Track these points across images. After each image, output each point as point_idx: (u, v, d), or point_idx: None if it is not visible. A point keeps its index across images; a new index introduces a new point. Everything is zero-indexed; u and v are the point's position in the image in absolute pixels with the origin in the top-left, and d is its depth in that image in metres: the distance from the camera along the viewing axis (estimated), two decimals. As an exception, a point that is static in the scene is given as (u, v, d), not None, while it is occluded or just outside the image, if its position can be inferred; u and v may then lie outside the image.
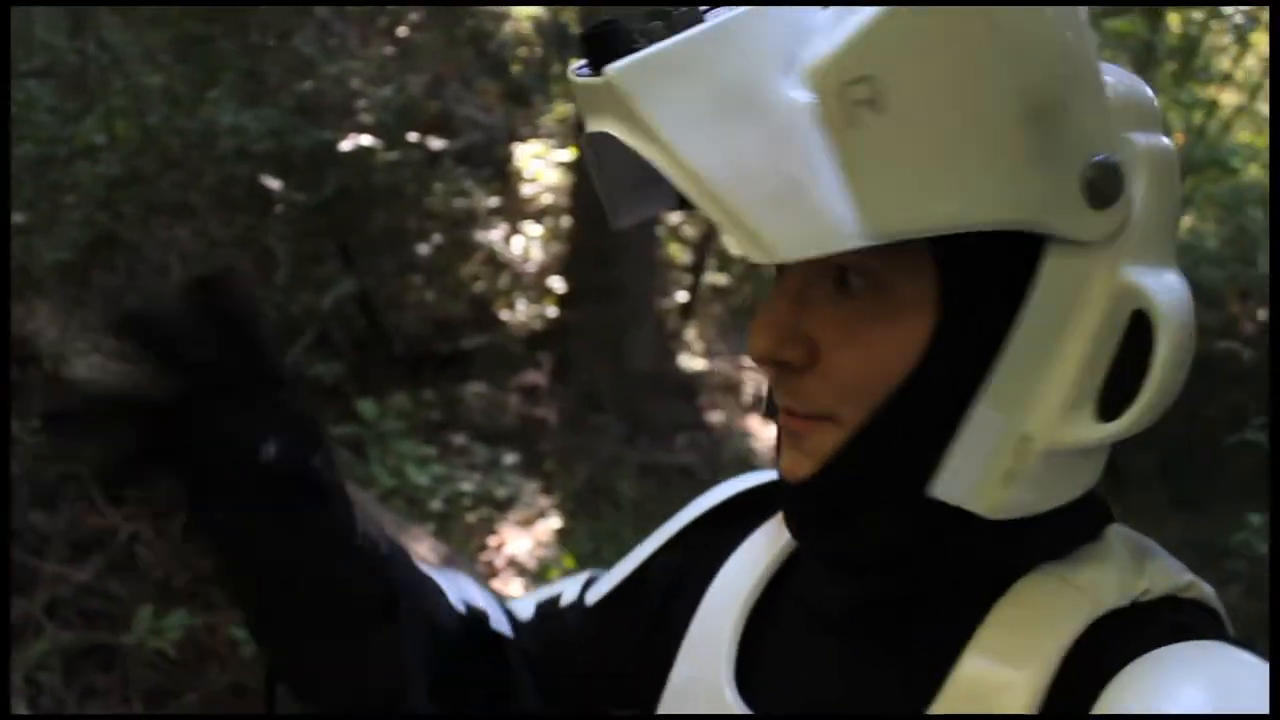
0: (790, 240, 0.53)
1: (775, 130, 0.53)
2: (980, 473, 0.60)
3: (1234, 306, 8.33)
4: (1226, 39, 7.96)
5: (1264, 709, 0.53)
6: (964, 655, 0.62)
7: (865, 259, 0.59)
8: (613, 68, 0.54)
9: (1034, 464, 0.61)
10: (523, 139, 6.92)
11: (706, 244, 7.83)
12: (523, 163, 6.78)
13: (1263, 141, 10.86)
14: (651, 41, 0.54)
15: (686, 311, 7.79)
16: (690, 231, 8.10)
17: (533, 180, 6.76)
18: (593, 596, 0.88)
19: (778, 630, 0.74)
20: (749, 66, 0.54)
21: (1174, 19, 10.66)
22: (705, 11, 0.56)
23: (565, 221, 6.94)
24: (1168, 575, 0.64)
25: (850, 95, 0.53)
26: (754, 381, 8.29)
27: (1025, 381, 0.60)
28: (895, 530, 0.64)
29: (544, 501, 5.05)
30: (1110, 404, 0.60)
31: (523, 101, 7.14)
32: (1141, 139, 0.61)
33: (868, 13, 0.54)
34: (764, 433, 7.43)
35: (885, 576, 0.67)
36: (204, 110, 4.27)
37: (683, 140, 0.53)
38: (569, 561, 3.88)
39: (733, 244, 0.64)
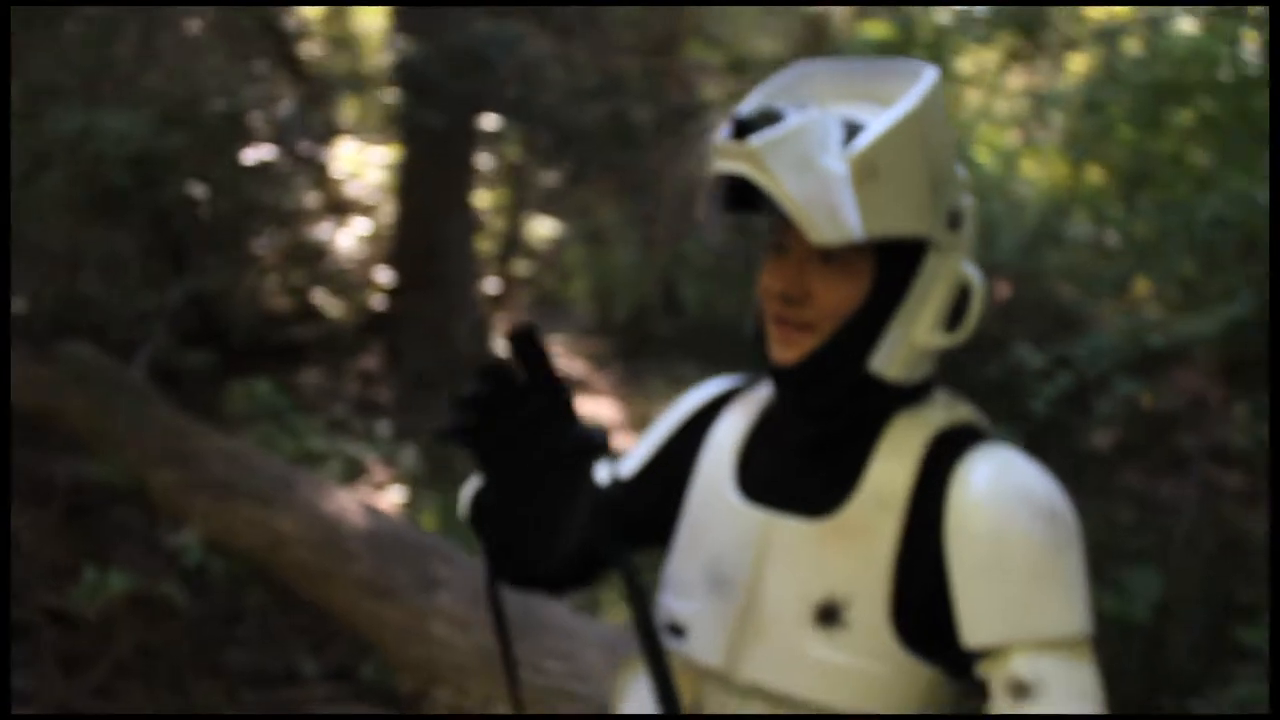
0: (830, 235, 1.06)
1: (827, 182, 1.07)
2: (890, 358, 1.15)
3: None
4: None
5: (1031, 469, 1.13)
6: (873, 456, 1.17)
7: (855, 247, 1.13)
8: (757, 139, 1.05)
9: (913, 354, 1.16)
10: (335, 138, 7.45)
11: (514, 239, 8.59)
12: (343, 162, 7.32)
13: (998, 137, 12.57)
14: (764, 127, 1.06)
15: (498, 299, 8.52)
16: (500, 225, 8.86)
17: (355, 179, 7.33)
18: (626, 471, 1.37)
19: (757, 460, 1.25)
20: (815, 147, 1.07)
21: (925, 23, 12.14)
22: (783, 110, 1.11)
23: (387, 218, 7.55)
24: (967, 413, 1.23)
25: (863, 169, 1.07)
26: (562, 363, 9.18)
27: (914, 313, 1.15)
28: (842, 390, 1.18)
29: (383, 475, 5.70)
30: (950, 327, 1.18)
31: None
32: (966, 196, 1.20)
33: (870, 130, 1.09)
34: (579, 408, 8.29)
35: (831, 418, 1.20)
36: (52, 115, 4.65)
37: (787, 183, 1.05)
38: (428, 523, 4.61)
39: (800, 233, 1.11)
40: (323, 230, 7.41)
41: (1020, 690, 1.07)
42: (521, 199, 8.43)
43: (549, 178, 8.75)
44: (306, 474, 3.76)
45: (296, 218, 7.29)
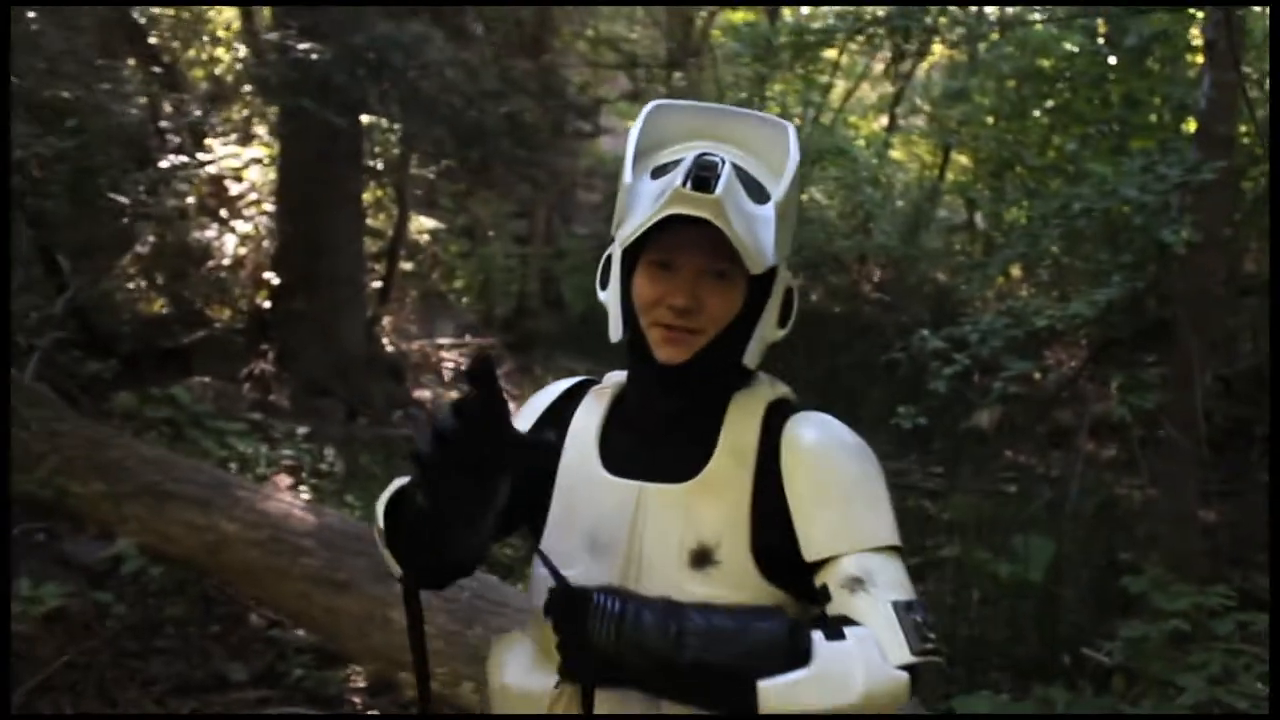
0: (761, 264, 1.35)
1: (756, 223, 1.37)
2: (753, 352, 1.45)
3: (854, 271, 10.33)
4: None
5: (841, 424, 1.44)
6: (724, 427, 1.44)
7: (737, 266, 1.37)
8: (719, 190, 1.31)
9: (763, 347, 1.45)
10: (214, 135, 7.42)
11: (398, 236, 8.66)
12: (223, 162, 7.30)
13: (866, 126, 13.13)
14: (712, 178, 1.33)
15: (383, 297, 8.58)
16: (383, 220, 8.92)
17: (237, 179, 7.31)
18: None
19: (616, 442, 1.49)
20: (740, 193, 1.36)
21: (788, 11, 12.60)
22: (718, 161, 1.38)
23: (268, 218, 7.55)
24: (785, 390, 1.51)
25: (779, 212, 1.39)
26: (451, 361, 9.30)
27: (768, 317, 1.44)
28: (719, 380, 1.46)
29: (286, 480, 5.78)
30: (782, 324, 1.47)
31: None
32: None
33: (782, 182, 1.40)
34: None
35: (695, 400, 1.46)
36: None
37: (735, 224, 1.31)
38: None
39: (692, 255, 1.39)
40: (203, 232, 7.37)
41: (853, 583, 1.35)
42: (403, 196, 8.49)
43: (430, 175, 8.89)
44: (240, 477, 3.83)
45: (175, 220, 7.24)
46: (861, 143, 11.79)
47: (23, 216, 5.52)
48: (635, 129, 1.48)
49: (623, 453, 1.47)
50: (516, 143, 5.79)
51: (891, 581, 1.35)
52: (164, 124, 7.27)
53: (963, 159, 12.53)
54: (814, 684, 1.28)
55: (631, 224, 1.38)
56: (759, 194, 1.43)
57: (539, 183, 7.24)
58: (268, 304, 7.40)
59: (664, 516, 1.42)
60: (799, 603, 1.41)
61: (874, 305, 9.64)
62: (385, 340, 8.52)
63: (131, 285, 7.28)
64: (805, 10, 12.72)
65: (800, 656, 1.28)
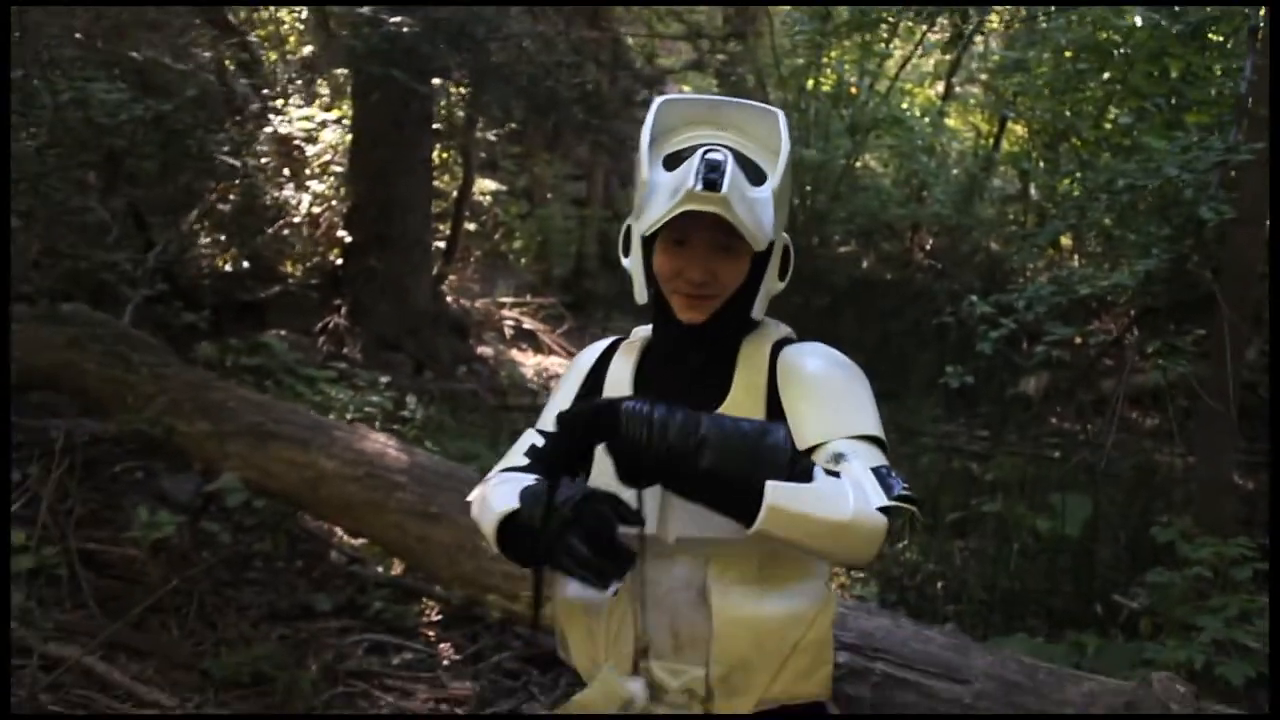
0: (762, 243, 1.64)
1: (758, 207, 1.64)
2: (760, 306, 1.72)
3: (907, 239, 10.54)
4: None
5: (838, 354, 1.74)
6: (737, 365, 1.72)
7: (742, 240, 1.63)
8: (726, 189, 1.57)
9: (767, 299, 1.73)
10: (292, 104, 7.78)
11: (464, 197, 8.99)
12: (299, 124, 7.64)
13: (923, 94, 13.26)
14: (718, 175, 1.58)
15: (448, 257, 8.95)
16: (447, 181, 9.26)
17: (311, 141, 7.67)
18: (548, 423, 1.81)
19: (647, 386, 1.75)
20: (742, 180, 1.62)
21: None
22: (722, 160, 1.61)
23: (341, 178, 7.91)
24: (789, 330, 1.79)
25: (777, 195, 1.67)
26: (511, 319, 9.66)
27: (770, 274, 1.72)
28: (734, 329, 1.74)
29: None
30: (782, 276, 1.75)
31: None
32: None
33: (778, 168, 1.68)
34: (526, 360, 8.87)
35: (716, 346, 1.74)
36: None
37: (740, 212, 1.58)
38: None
39: (704, 232, 1.64)
40: (280, 191, 7.73)
41: (837, 458, 1.59)
42: (469, 159, 8.82)
43: (493, 138, 9.20)
44: (334, 419, 4.19)
45: (255, 178, 7.61)
46: (917, 111, 11.95)
47: (122, 174, 5.91)
48: (647, 122, 1.73)
49: (654, 393, 1.70)
50: (589, 111, 6.10)
51: (871, 458, 1.61)
52: (244, 87, 7.66)
53: (1018, 129, 12.65)
54: (812, 495, 1.53)
55: (651, 215, 1.65)
56: (757, 175, 1.69)
57: (608, 149, 7.51)
58: (340, 261, 7.80)
59: None
60: None
61: (926, 273, 9.86)
62: (449, 299, 8.89)
63: (209, 240, 7.67)
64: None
65: (801, 475, 1.55)
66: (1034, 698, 2.43)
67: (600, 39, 7.09)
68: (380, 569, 4.88)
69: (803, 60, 10.38)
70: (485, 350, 8.68)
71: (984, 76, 12.82)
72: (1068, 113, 7.79)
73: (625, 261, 1.78)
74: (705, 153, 1.62)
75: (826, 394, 1.69)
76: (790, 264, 1.78)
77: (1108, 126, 7.32)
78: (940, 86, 12.69)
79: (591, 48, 6.81)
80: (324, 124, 7.93)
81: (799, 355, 1.74)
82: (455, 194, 9.06)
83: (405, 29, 5.05)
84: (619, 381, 1.81)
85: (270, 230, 7.77)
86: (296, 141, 7.89)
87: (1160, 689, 2.23)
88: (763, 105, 1.79)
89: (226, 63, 7.56)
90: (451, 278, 9.10)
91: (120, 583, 4.35)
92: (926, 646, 2.60)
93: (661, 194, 1.66)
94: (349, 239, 7.68)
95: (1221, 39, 6.58)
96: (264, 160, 7.69)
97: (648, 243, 1.72)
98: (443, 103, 8.14)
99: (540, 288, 11.15)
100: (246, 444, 4.14)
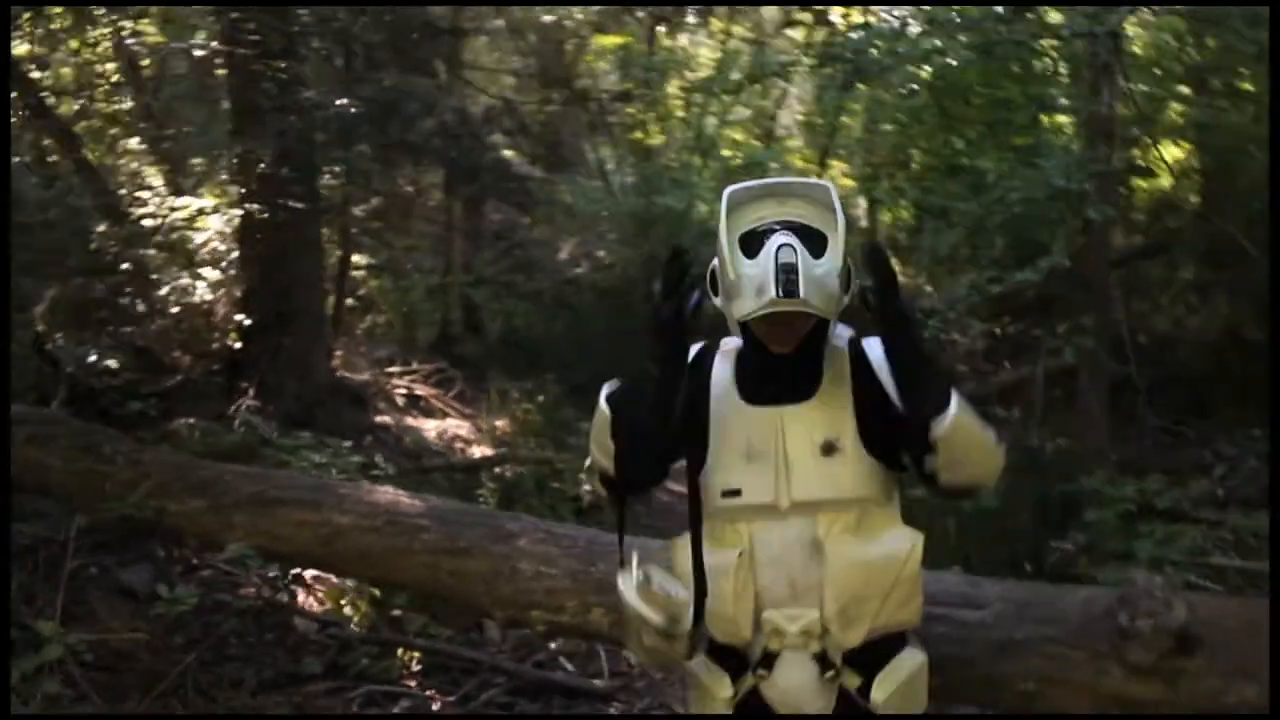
0: (832, 312, 2.16)
1: (828, 284, 2.11)
2: (834, 323, 2.23)
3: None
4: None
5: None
6: (824, 361, 2.24)
7: None
8: (805, 292, 2.05)
9: (838, 317, 2.21)
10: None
11: (344, 271, 9.30)
12: (187, 213, 7.85)
13: (745, 135, 14.21)
14: (793, 276, 2.05)
15: (334, 331, 9.21)
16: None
17: (200, 229, 7.88)
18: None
19: (747, 386, 2.26)
20: (808, 263, 2.07)
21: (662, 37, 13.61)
22: (794, 261, 2.08)
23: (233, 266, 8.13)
24: (851, 331, 2.30)
25: (841, 269, 2.14)
26: (402, 387, 9.96)
27: (840, 305, 2.17)
28: (815, 352, 2.24)
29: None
30: (845, 293, 2.19)
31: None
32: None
33: (838, 244, 2.13)
34: (425, 425, 9.21)
35: (805, 366, 2.24)
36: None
37: (815, 302, 2.09)
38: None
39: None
40: (171, 280, 7.89)
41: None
42: (346, 234, 9.15)
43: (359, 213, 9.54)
44: (336, 479, 4.52)
45: (145, 274, 7.75)
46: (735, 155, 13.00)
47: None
48: (721, 211, 2.15)
49: (756, 391, 2.25)
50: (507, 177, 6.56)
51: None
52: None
53: (841, 164, 13.74)
54: (976, 418, 2.10)
55: (742, 308, 2.10)
56: (819, 243, 2.10)
57: (524, 208, 7.96)
58: (239, 345, 7.97)
59: (799, 425, 2.21)
60: (891, 471, 2.22)
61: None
62: (340, 372, 9.13)
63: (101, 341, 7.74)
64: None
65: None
66: (1041, 609, 3.03)
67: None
68: (355, 627, 5.20)
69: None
70: (384, 419, 8.96)
71: (803, 117, 13.93)
72: (902, 142, 8.71)
73: (717, 302, 2.23)
74: (778, 251, 2.05)
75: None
76: (852, 280, 2.18)
77: (946, 153, 8.23)
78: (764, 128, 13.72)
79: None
80: (203, 210, 8.13)
81: (873, 345, 2.22)
82: (337, 269, 9.35)
83: (353, 109, 5.43)
84: (723, 381, 2.31)
85: (161, 322, 7.92)
86: (179, 232, 8.05)
87: (1143, 584, 2.86)
88: (813, 180, 2.29)
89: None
90: (339, 352, 9.36)
91: (109, 674, 4.53)
92: (943, 585, 3.15)
93: (749, 288, 2.09)
94: (248, 321, 7.88)
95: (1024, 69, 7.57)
96: (147, 253, 7.85)
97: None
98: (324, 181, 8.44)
99: (408, 355, 11.44)
100: (250, 513, 4.40)
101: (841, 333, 2.29)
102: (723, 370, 2.32)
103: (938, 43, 5.90)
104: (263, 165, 6.48)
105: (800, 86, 14.23)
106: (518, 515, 4.17)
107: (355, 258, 10.52)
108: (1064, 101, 7.02)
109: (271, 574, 5.19)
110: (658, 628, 2.22)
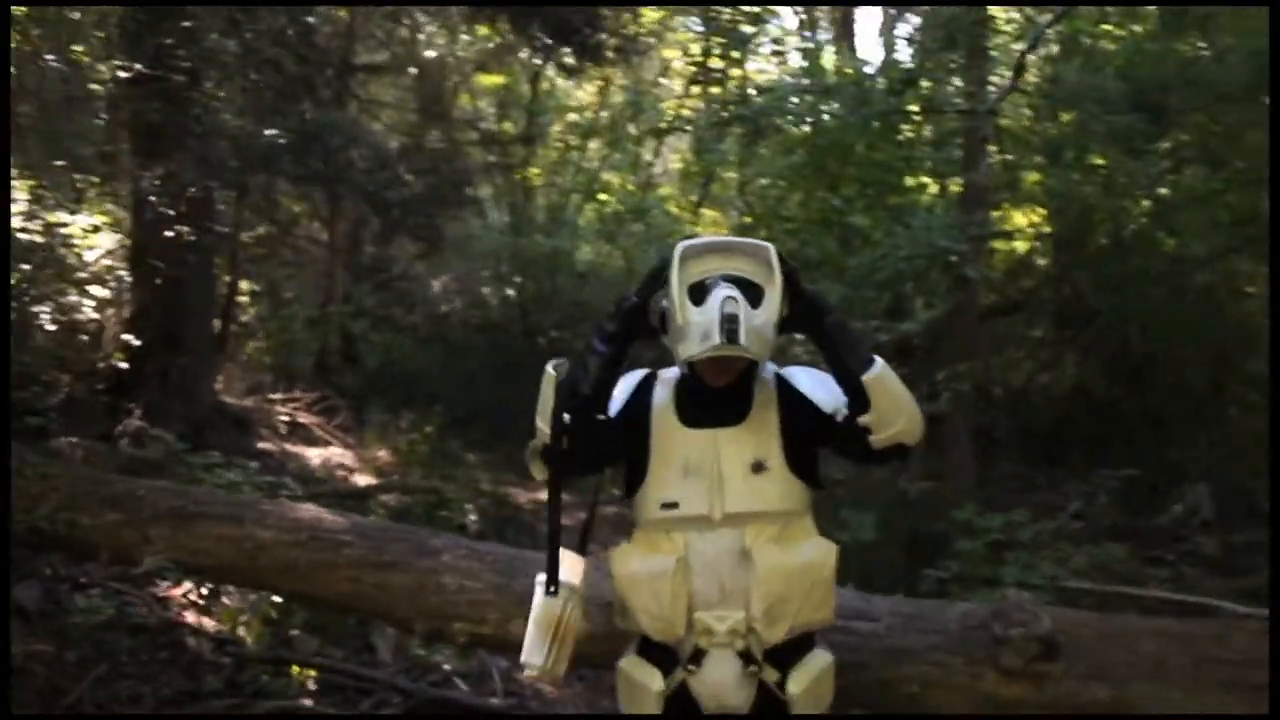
0: (766, 357, 2.56)
1: (766, 333, 2.45)
2: (765, 364, 2.63)
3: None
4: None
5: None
6: (754, 392, 2.62)
7: None
8: (744, 341, 2.38)
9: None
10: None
11: (231, 296, 9.36)
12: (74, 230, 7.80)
13: (621, 182, 14.70)
14: (735, 326, 2.38)
15: (219, 355, 9.26)
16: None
17: (89, 247, 7.85)
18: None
19: (686, 410, 2.61)
20: (746, 312, 2.40)
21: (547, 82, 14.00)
22: (737, 312, 2.41)
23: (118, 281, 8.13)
24: (777, 365, 2.73)
25: (777, 320, 2.49)
26: (285, 414, 10.01)
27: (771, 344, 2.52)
28: (747, 384, 2.62)
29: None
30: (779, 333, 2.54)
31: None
32: None
33: (773, 297, 2.45)
34: (308, 453, 9.28)
35: (738, 395, 2.62)
36: None
37: (752, 347, 2.41)
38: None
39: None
40: (59, 299, 7.83)
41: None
42: (235, 259, 9.22)
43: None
44: (256, 495, 4.66)
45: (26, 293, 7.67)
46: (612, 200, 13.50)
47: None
48: (674, 262, 2.41)
49: (694, 416, 2.61)
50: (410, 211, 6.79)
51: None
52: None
53: (715, 213, 14.32)
54: (896, 378, 2.44)
55: (688, 350, 2.40)
56: (756, 294, 2.40)
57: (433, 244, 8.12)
58: (125, 365, 7.95)
59: (732, 446, 2.55)
60: (811, 490, 2.57)
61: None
62: (224, 397, 9.17)
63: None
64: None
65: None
66: (926, 621, 3.44)
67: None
68: (250, 643, 5.31)
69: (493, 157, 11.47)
70: (267, 445, 9.03)
71: (678, 169, 14.46)
72: (778, 199, 9.23)
73: (664, 339, 2.52)
74: (724, 303, 2.35)
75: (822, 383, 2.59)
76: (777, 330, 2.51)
77: (819, 210, 8.77)
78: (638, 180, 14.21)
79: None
80: (95, 228, 8.09)
81: (796, 370, 2.64)
82: (225, 294, 9.39)
83: (281, 139, 5.60)
84: (664, 406, 2.65)
85: (44, 340, 7.85)
86: (62, 250, 7.99)
87: (1014, 599, 3.30)
88: (755, 241, 2.52)
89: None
90: (221, 376, 9.39)
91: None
92: (841, 600, 3.52)
93: (695, 334, 2.38)
94: (137, 342, 7.88)
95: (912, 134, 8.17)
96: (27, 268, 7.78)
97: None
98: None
99: (286, 384, 11.46)
100: (169, 527, 4.44)
101: (769, 366, 2.65)
102: (662, 396, 2.65)
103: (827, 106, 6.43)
104: (158, 183, 6.52)
105: (678, 136, 14.81)
106: (439, 532, 4.38)
107: (242, 284, 10.57)
108: (929, 165, 7.60)
109: (161, 595, 5.28)
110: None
